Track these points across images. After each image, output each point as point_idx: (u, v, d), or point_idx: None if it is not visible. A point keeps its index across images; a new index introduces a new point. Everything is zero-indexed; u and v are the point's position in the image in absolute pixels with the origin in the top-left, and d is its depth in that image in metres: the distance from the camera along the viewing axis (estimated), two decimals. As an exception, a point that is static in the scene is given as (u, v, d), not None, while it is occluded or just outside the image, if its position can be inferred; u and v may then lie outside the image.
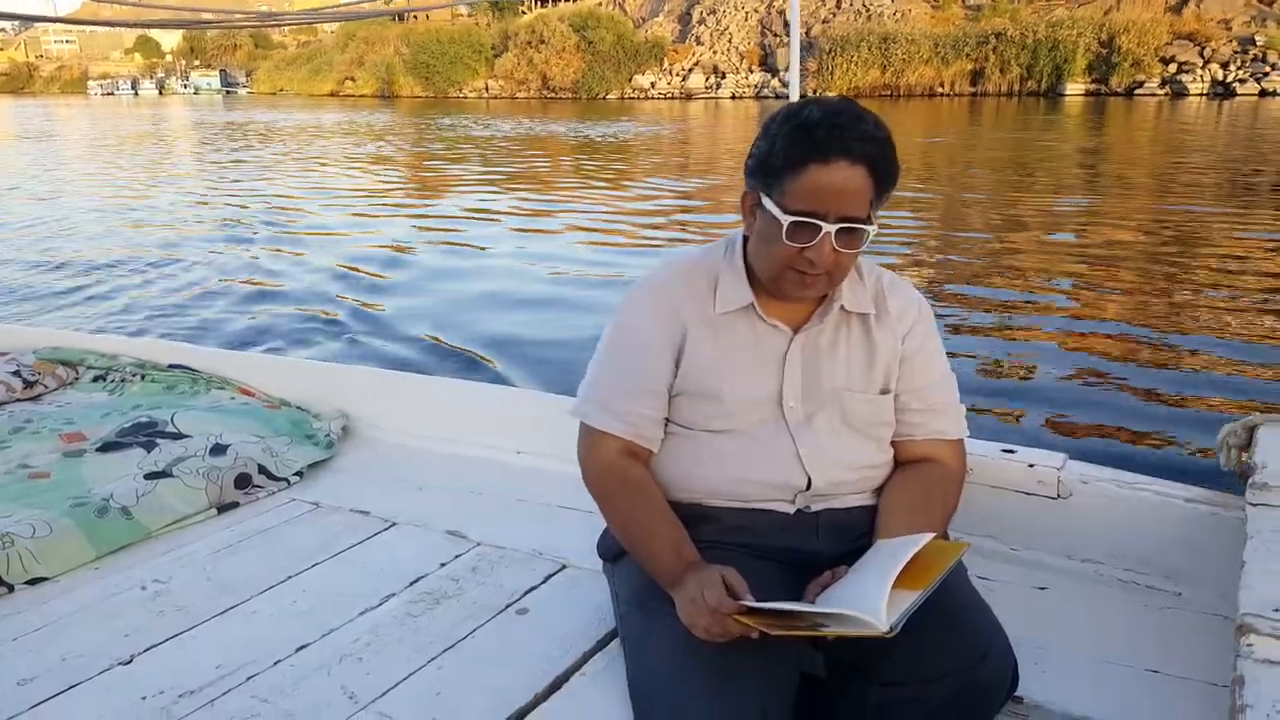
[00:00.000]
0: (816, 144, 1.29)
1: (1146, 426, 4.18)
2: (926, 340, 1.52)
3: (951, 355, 1.58)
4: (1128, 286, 7.01)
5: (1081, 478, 1.77)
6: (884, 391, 1.49)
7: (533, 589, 1.73)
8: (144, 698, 1.43)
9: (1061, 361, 5.15)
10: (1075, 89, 44.73)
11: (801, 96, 1.62)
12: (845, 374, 1.47)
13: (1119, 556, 1.75)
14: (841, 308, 1.47)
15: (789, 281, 1.38)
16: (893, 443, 1.51)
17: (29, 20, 4.37)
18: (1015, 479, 1.81)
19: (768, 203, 1.34)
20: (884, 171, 1.32)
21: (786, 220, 1.32)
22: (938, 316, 1.59)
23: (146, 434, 2.36)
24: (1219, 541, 1.59)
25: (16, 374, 2.83)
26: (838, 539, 1.43)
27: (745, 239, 1.47)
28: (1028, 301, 6.58)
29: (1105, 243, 8.74)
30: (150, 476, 2.12)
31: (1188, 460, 3.74)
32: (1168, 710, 1.37)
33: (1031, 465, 1.80)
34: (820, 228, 1.31)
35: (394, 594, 1.73)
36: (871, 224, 1.33)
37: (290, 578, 1.81)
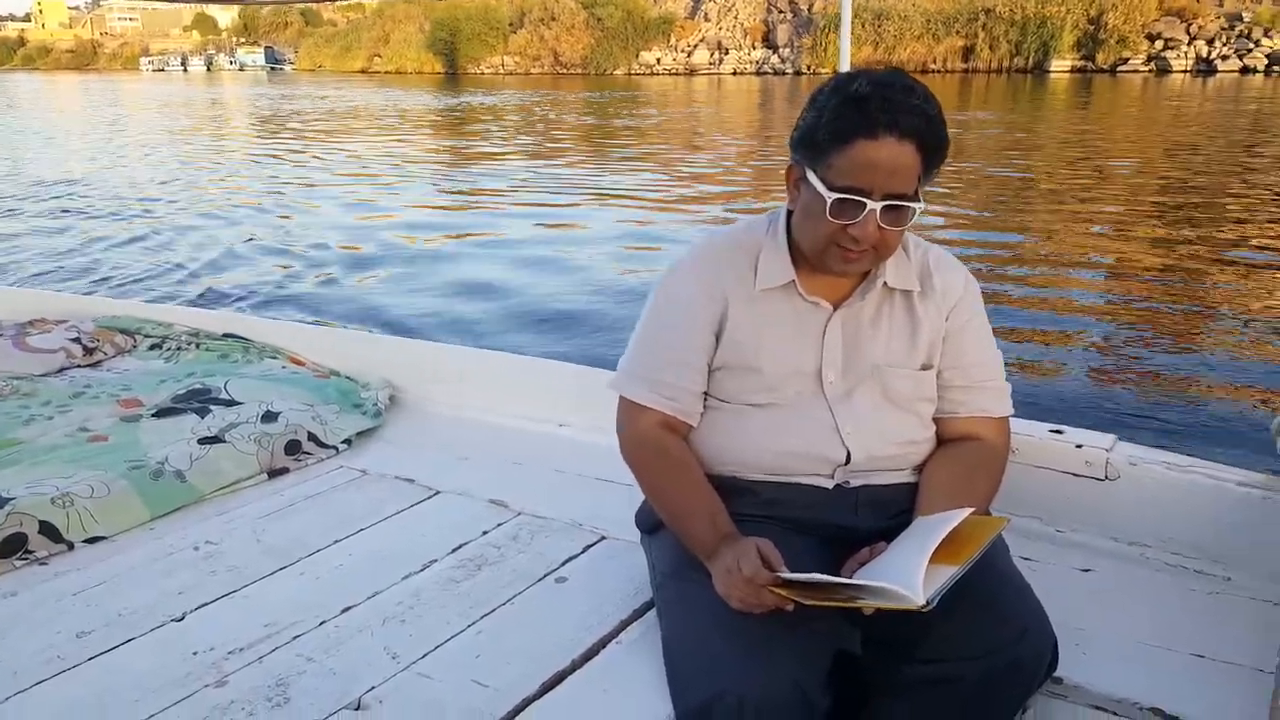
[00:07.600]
0: (865, 119, 1.17)
1: (1197, 408, 3.93)
2: (972, 318, 1.40)
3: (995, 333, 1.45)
4: (1161, 264, 6.64)
5: (1130, 459, 1.64)
6: (925, 367, 1.38)
7: (572, 558, 1.65)
8: (195, 653, 1.39)
9: (1104, 341, 4.90)
10: (1061, 66, 43.59)
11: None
12: (886, 349, 1.37)
13: (1167, 540, 1.62)
14: (885, 284, 1.36)
15: (833, 257, 1.27)
16: (936, 419, 1.41)
17: None
18: (1062, 459, 1.68)
19: (812, 177, 1.24)
20: (933, 147, 1.20)
21: (830, 197, 1.21)
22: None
23: (200, 400, 2.29)
24: (1272, 526, 1.48)
25: (77, 340, 2.75)
26: (877, 515, 1.34)
27: (789, 213, 1.36)
28: (1066, 280, 6.23)
29: (1128, 218, 8.33)
30: (204, 441, 2.06)
31: (1241, 442, 3.49)
32: (1212, 695, 1.27)
33: (1079, 446, 1.67)
34: (865, 205, 1.20)
35: (437, 560, 1.66)
36: (919, 200, 1.22)
37: (337, 541, 1.74)
